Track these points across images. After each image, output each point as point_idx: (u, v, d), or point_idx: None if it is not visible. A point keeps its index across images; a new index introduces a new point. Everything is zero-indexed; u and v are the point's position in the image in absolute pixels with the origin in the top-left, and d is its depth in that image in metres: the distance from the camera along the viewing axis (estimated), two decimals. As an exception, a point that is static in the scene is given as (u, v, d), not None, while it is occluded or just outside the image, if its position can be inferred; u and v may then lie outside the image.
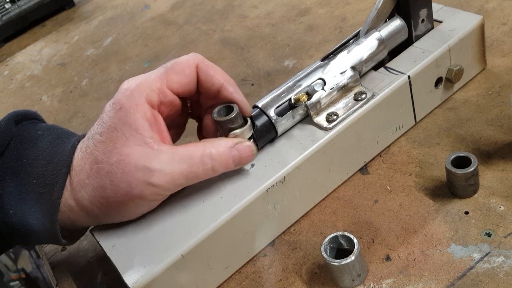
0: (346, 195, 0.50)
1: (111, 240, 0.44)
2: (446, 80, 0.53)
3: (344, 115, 0.48)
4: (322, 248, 0.41)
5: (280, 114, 0.47)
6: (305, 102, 0.47)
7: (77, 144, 0.43)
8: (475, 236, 0.42)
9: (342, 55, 0.50)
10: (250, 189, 0.44)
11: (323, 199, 0.50)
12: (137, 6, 1.09)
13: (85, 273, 0.52)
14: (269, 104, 0.48)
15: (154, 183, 0.41)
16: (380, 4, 0.51)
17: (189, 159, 0.42)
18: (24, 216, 0.41)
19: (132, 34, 0.98)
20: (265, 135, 0.47)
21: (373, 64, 0.51)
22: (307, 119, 0.49)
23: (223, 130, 0.45)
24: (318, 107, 0.48)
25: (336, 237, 0.42)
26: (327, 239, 0.41)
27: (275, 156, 0.47)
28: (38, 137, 0.44)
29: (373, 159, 0.52)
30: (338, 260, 0.40)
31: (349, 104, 0.49)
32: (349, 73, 0.49)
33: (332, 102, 0.49)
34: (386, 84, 0.49)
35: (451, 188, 0.46)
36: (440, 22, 0.55)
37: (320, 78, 0.49)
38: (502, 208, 0.43)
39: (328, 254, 0.41)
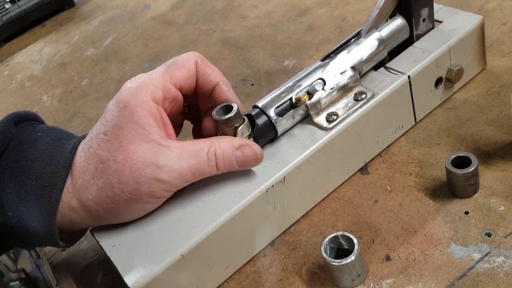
0: (346, 195, 0.50)
1: (111, 240, 0.44)
2: (446, 80, 0.53)
3: (344, 115, 0.48)
4: (322, 248, 0.41)
5: (280, 114, 0.47)
6: (305, 102, 0.47)
7: (78, 145, 0.43)
8: (475, 236, 0.42)
9: (342, 55, 0.50)
10: (250, 189, 0.44)
11: (323, 199, 0.50)
12: (137, 6, 1.09)
13: (85, 273, 0.52)
14: (269, 104, 0.48)
15: (163, 179, 0.41)
16: (382, 3, 0.51)
17: (196, 156, 0.42)
18: (22, 218, 0.41)
19: (132, 34, 0.98)
20: (265, 135, 0.47)
21: (373, 64, 0.51)
22: (307, 119, 0.49)
23: (223, 129, 0.45)
24: (318, 107, 0.48)
25: (336, 237, 0.42)
26: (327, 239, 0.41)
27: (275, 156, 0.47)
28: (37, 139, 0.44)
29: (373, 159, 0.52)
30: (338, 260, 0.40)
31: (349, 104, 0.49)
32: (349, 73, 0.49)
33: (332, 102, 0.49)
34: (386, 84, 0.49)
35: (451, 188, 0.46)
36: (440, 22, 0.55)
37: (320, 78, 0.49)
38: (502, 208, 0.43)
39: (328, 254, 0.41)
